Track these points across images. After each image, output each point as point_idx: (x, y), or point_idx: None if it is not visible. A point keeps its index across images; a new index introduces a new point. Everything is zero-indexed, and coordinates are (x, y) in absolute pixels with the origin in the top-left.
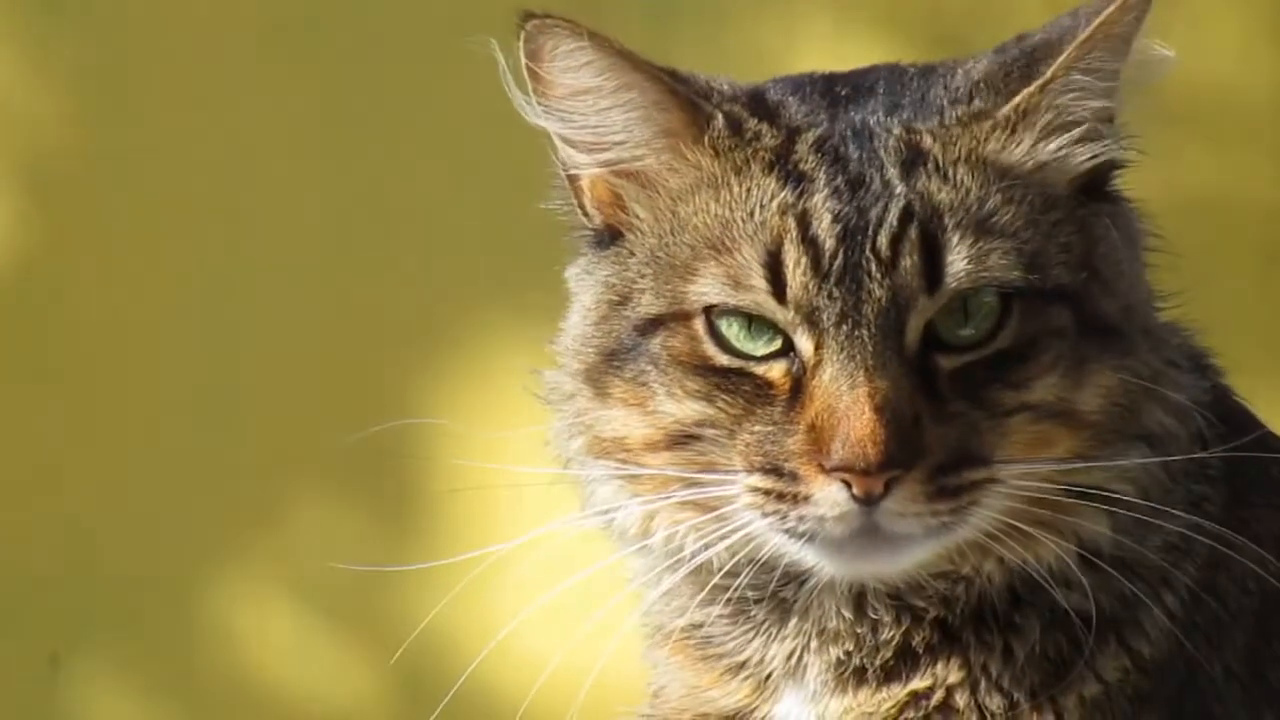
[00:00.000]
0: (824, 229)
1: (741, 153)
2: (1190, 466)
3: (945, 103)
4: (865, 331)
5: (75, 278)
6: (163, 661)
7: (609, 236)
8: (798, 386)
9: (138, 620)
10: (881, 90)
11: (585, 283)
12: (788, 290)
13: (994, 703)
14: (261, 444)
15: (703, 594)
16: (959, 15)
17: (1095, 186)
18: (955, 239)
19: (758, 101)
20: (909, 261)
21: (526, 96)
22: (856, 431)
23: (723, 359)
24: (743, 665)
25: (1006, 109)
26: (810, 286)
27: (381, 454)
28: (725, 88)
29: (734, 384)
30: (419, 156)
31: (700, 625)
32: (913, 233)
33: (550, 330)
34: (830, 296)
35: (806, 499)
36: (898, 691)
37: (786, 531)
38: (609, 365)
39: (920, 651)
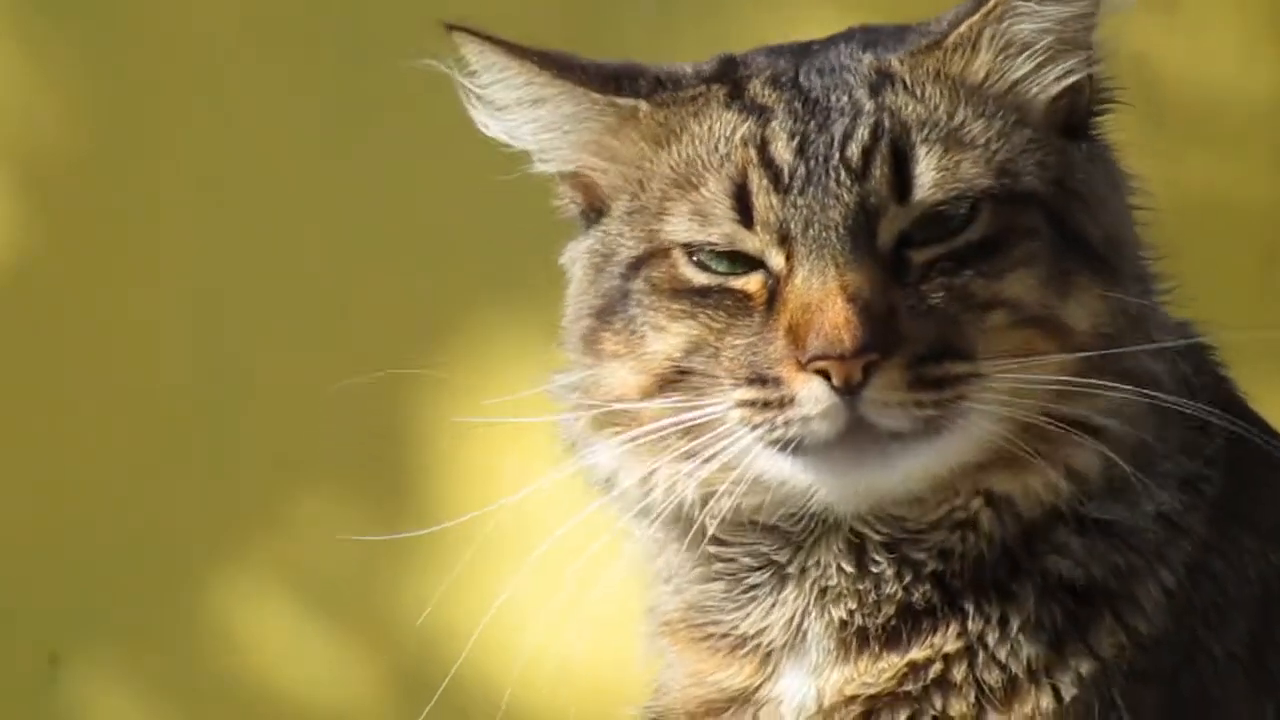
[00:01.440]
0: (780, 147)
1: (691, 104)
2: (1186, 444)
3: (912, 38)
4: (833, 232)
5: (74, 277)
6: (162, 661)
7: (594, 215)
8: (774, 298)
9: (138, 620)
10: (856, 37)
11: (576, 260)
12: (754, 214)
13: (991, 676)
14: (262, 443)
15: (700, 566)
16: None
17: (1076, 126)
18: (924, 151)
19: (723, 60)
20: (879, 172)
21: (476, 108)
22: (830, 319)
23: (702, 278)
24: (744, 641)
25: (954, 35)
26: (774, 203)
27: (382, 453)
28: (685, 70)
29: (715, 300)
30: (419, 153)
31: (700, 605)
32: (883, 146)
33: (547, 320)
34: (794, 206)
35: (791, 400)
36: (897, 661)
37: (775, 443)
38: (600, 323)
39: (921, 610)
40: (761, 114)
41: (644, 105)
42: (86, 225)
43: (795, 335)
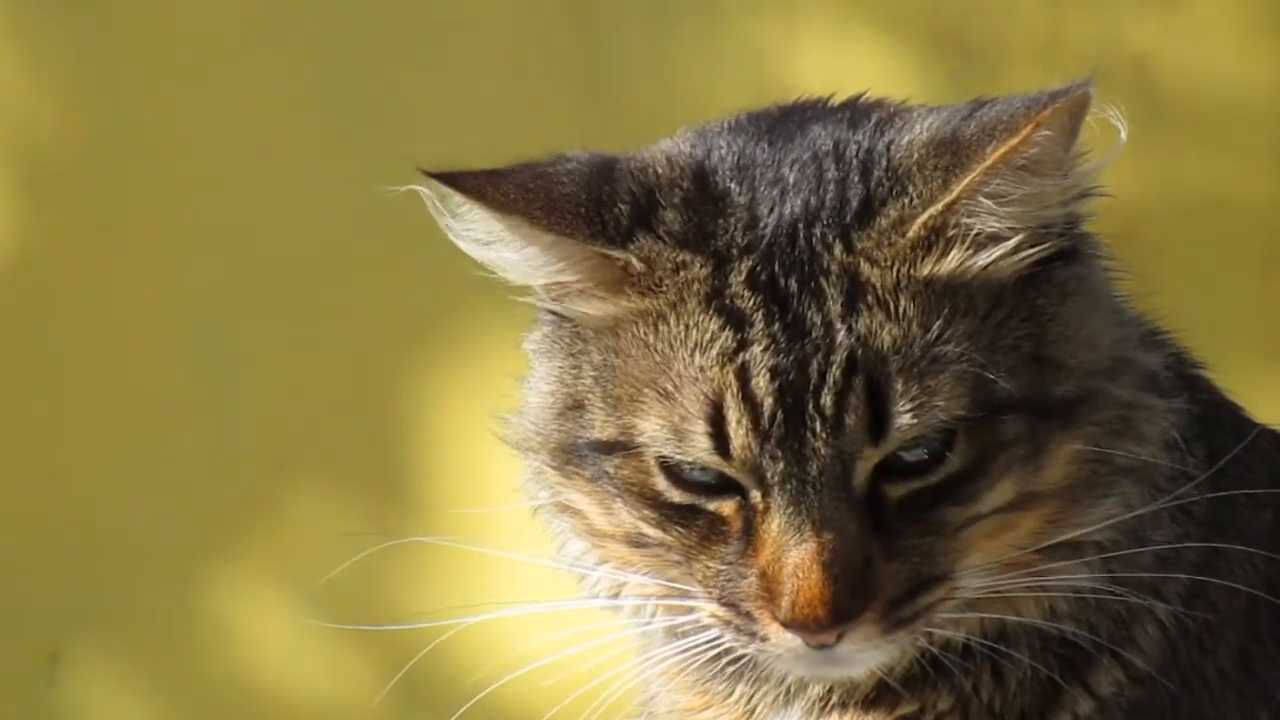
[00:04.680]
0: (762, 386)
1: (671, 289)
2: (1172, 475)
3: (876, 203)
4: (810, 488)
5: (73, 276)
6: (163, 661)
7: (564, 315)
8: (748, 527)
9: (138, 619)
10: (830, 170)
11: (542, 355)
12: (731, 448)
13: None
14: (261, 443)
15: (679, 655)
16: (958, 13)
17: (1042, 269)
18: (900, 386)
19: (699, 194)
20: (853, 419)
21: (455, 228)
22: (805, 594)
23: (675, 495)
24: (730, 695)
25: (916, 226)
26: (752, 446)
27: (382, 454)
28: (661, 169)
29: (687, 519)
30: (419, 153)
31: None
32: (858, 385)
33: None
34: (773, 457)
35: (765, 639)
36: (887, 716)
37: (750, 650)
38: (569, 458)
39: (900, 686)
40: (740, 326)
41: (633, 259)
42: (86, 225)
43: (770, 586)
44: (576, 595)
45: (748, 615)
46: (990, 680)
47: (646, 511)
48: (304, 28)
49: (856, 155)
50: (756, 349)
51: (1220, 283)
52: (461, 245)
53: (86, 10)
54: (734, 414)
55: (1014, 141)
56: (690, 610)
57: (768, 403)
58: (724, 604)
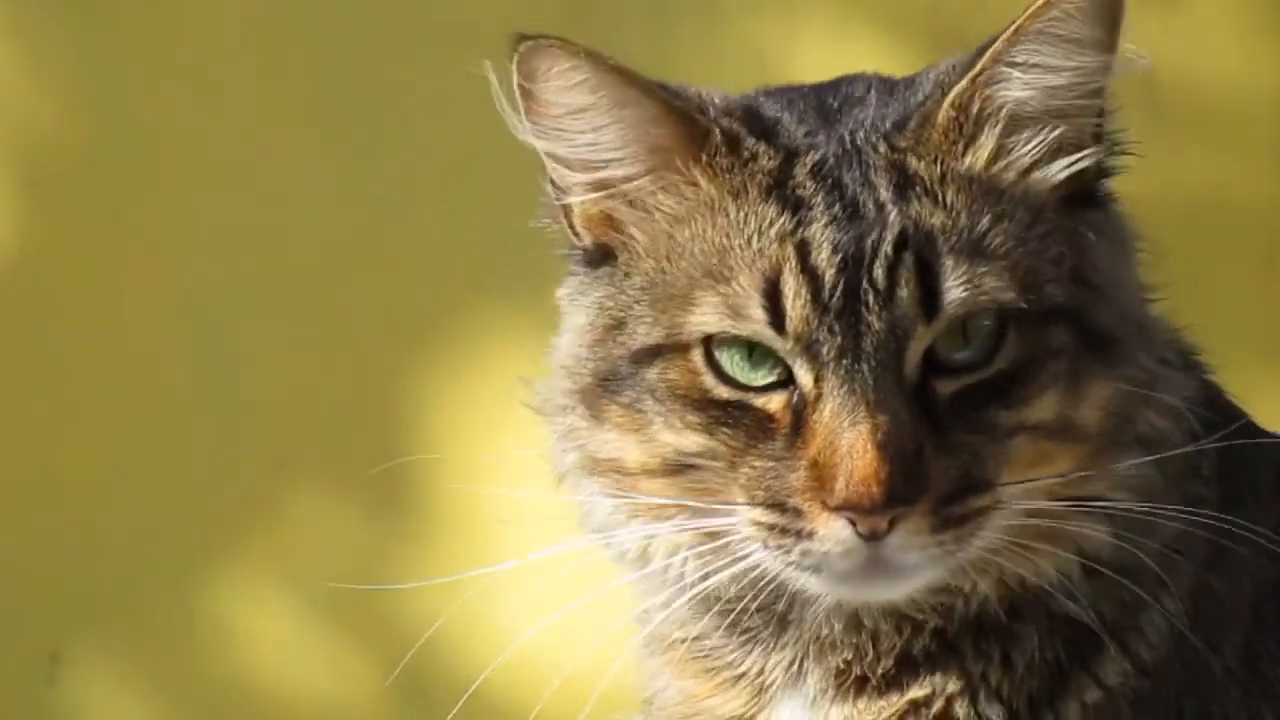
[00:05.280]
0: (824, 259)
1: (739, 175)
2: (1185, 467)
3: (915, 109)
4: (865, 365)
5: (73, 276)
6: (163, 661)
7: (600, 256)
8: (798, 420)
9: (138, 619)
10: (872, 102)
11: (578, 303)
12: (787, 321)
13: (994, 711)
14: (261, 443)
15: (700, 607)
16: (958, 13)
17: (1081, 195)
18: (950, 264)
19: (753, 117)
20: (905, 291)
21: (519, 116)
22: (860, 470)
23: (722, 391)
24: (741, 676)
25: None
26: (810, 319)
27: (383, 454)
28: (719, 101)
29: (734, 417)
30: (418, 155)
31: (698, 637)
32: (908, 260)
33: (548, 327)
34: (830, 330)
35: (811, 535)
36: (897, 700)
37: (791, 564)
38: (604, 389)
39: (920, 660)
40: (799, 210)
41: (717, 130)
42: (86, 225)
43: (821, 474)
44: (579, 536)
45: (795, 511)
46: (999, 664)
47: (691, 417)
48: (304, 28)
49: (895, 85)
50: (817, 226)
51: (1220, 283)
52: (525, 136)
53: (87, 10)
54: (792, 287)
55: (1040, 5)
56: (725, 535)
57: (829, 274)
58: (768, 505)
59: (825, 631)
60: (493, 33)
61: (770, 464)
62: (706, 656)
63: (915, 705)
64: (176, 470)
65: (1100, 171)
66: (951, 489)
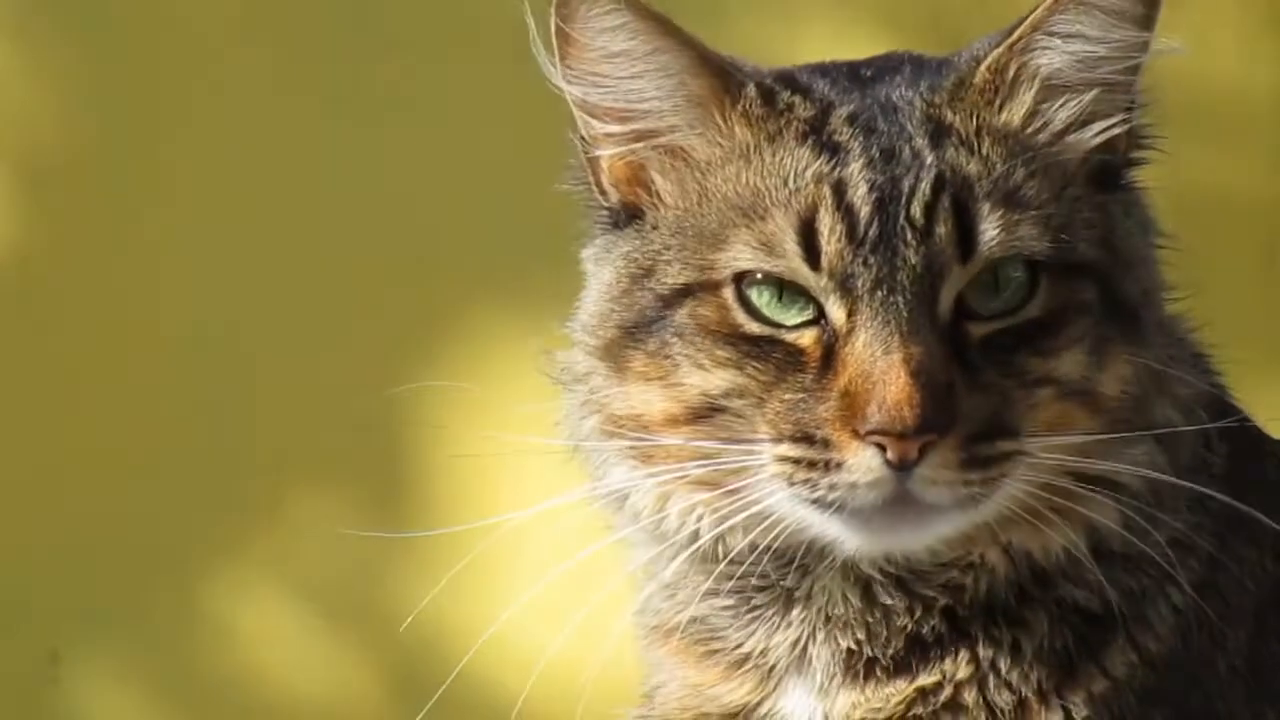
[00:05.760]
0: (860, 196)
1: (774, 122)
2: (1194, 464)
3: (952, 74)
4: (900, 298)
5: (74, 276)
6: (163, 660)
7: (626, 215)
8: (829, 354)
9: (138, 618)
10: (907, 71)
11: (604, 260)
12: (822, 256)
13: (1002, 699)
14: (262, 443)
15: (708, 583)
16: (959, 14)
17: (1110, 176)
18: (986, 208)
19: (788, 77)
20: (943, 229)
21: (553, 59)
22: (893, 395)
23: (753, 326)
24: (745, 658)
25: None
26: (845, 253)
27: (383, 453)
28: (749, 67)
29: (764, 351)
30: (421, 153)
31: (702, 619)
32: (945, 201)
33: (553, 318)
34: (865, 263)
35: (839, 465)
36: (905, 687)
37: (815, 502)
38: (629, 339)
39: (930, 641)
40: (836, 153)
41: (751, 88)
42: (86, 224)
43: (853, 402)
44: (582, 487)
45: (823, 443)
46: (1008, 651)
47: (720, 352)
48: (304, 27)
49: (930, 60)
50: (854, 166)
51: (1221, 282)
52: (562, 83)
53: (86, 10)
54: (827, 223)
55: None
56: (745, 478)
57: (864, 211)
58: (795, 439)
59: (836, 610)
60: (494, 31)
61: (800, 396)
62: (709, 639)
63: (923, 692)
64: (176, 470)
65: (1129, 157)
66: (981, 428)
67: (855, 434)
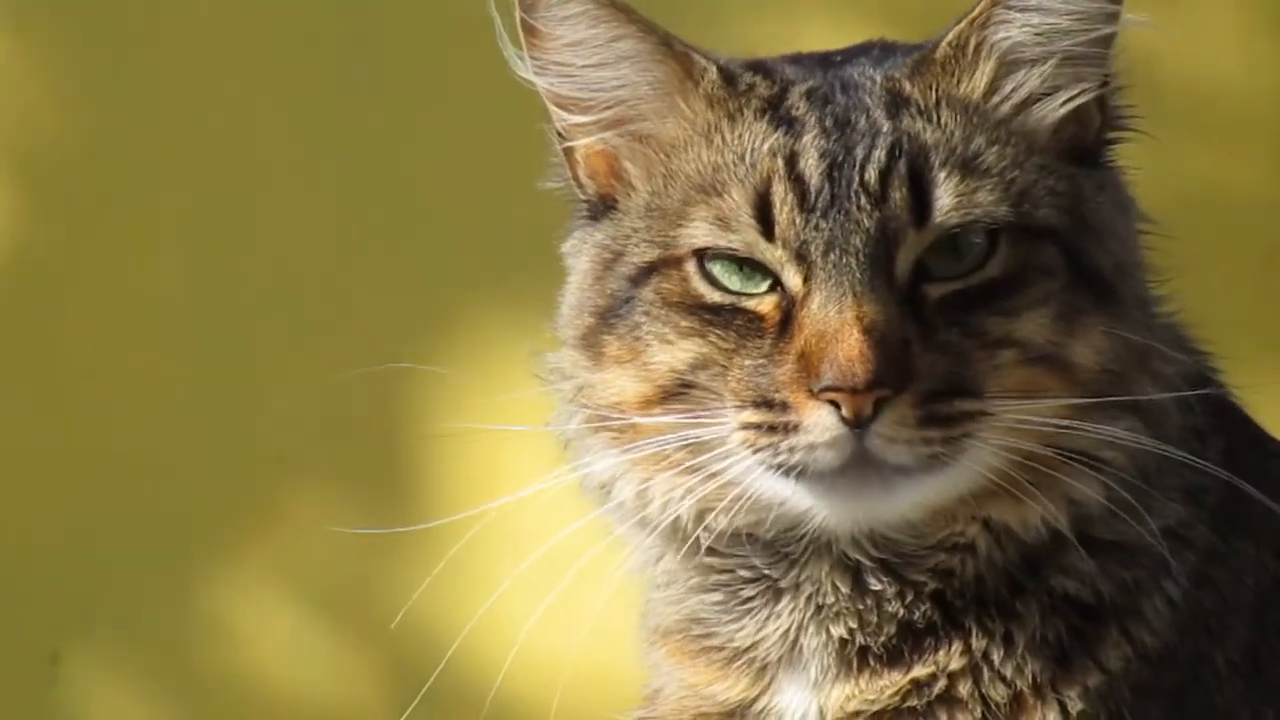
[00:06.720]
0: (810, 165)
1: (735, 102)
2: (1184, 445)
3: (916, 53)
4: (853, 260)
5: (74, 276)
6: (163, 659)
7: (603, 207)
8: (787, 319)
9: (138, 618)
10: (875, 53)
11: (581, 251)
12: (775, 227)
13: (997, 692)
14: (262, 441)
15: (695, 576)
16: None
17: (1084, 151)
18: (942, 176)
19: (752, 62)
20: (898, 195)
21: (520, 53)
22: (845, 351)
23: (715, 295)
24: (739, 654)
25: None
26: (797, 220)
27: (381, 450)
28: (718, 55)
29: (726, 320)
30: (419, 148)
31: (696, 617)
32: (901, 167)
33: (544, 317)
34: (816, 228)
35: (796, 427)
36: (899, 678)
37: (778, 467)
38: (603, 324)
39: (922, 629)
40: (792, 127)
41: (712, 70)
42: (86, 223)
43: (807, 362)
44: (565, 470)
45: (781, 405)
46: (1001, 642)
47: (684, 322)
48: (304, 26)
49: (900, 45)
50: (807, 138)
51: (1221, 282)
52: (530, 75)
53: (86, 10)
54: (779, 194)
55: None
56: (717, 449)
57: (814, 179)
58: (757, 405)
59: (826, 599)
60: (491, 30)
61: (760, 361)
62: (703, 637)
63: (918, 684)
64: (176, 470)
65: (1104, 136)
66: (938, 386)
67: (810, 393)
